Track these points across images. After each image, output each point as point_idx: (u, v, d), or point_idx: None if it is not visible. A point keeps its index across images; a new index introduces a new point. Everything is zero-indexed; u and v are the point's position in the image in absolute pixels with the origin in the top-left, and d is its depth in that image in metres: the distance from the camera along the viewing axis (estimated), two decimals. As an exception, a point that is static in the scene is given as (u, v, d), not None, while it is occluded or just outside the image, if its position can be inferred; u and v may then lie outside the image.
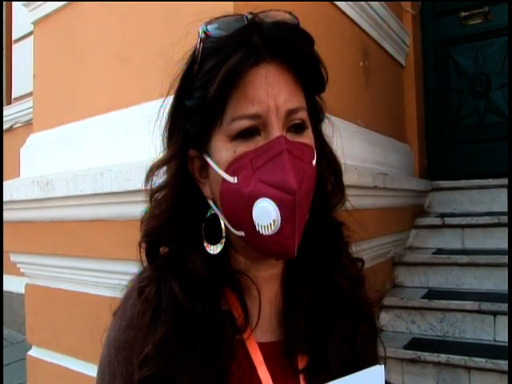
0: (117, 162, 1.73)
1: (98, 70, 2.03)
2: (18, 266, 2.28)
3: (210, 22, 0.61)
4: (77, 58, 2.13)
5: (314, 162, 0.62)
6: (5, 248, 2.26)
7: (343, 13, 2.46)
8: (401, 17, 3.40)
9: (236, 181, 0.59)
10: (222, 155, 0.60)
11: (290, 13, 0.63)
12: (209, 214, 0.65)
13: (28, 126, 3.43)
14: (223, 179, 0.60)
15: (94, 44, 2.06)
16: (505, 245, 2.53)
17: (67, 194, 1.79)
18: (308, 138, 0.63)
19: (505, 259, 2.42)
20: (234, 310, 0.64)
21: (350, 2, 2.48)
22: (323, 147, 0.69)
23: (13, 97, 4.63)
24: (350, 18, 2.54)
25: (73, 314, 1.97)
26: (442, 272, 2.68)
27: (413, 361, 2.18)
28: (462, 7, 3.44)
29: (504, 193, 2.95)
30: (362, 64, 2.69)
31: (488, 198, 3.11)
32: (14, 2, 4.32)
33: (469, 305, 2.33)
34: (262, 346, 0.65)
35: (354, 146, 2.30)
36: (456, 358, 2.08)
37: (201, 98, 0.59)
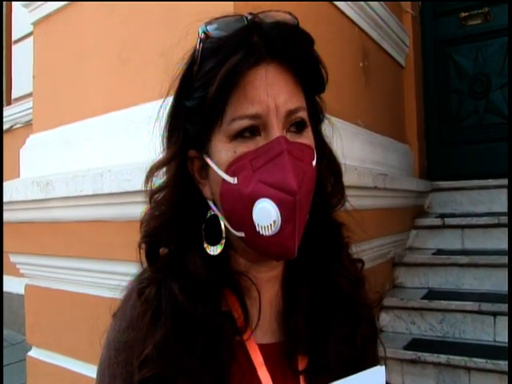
0: (116, 162, 1.73)
1: (98, 71, 2.03)
2: (17, 266, 2.28)
3: (209, 23, 0.61)
4: (77, 59, 2.13)
5: (314, 163, 0.62)
6: (4, 249, 2.26)
7: (343, 13, 2.46)
8: (400, 17, 3.40)
9: (236, 181, 0.59)
10: (221, 156, 0.60)
11: (290, 13, 0.63)
12: (209, 214, 0.65)
13: (28, 126, 3.43)
14: (223, 180, 0.60)
15: (94, 44, 2.06)
16: (505, 245, 2.53)
17: (67, 194, 1.79)
18: (308, 138, 0.63)
19: (505, 260, 2.42)
20: (233, 311, 0.64)
21: (349, 2, 2.48)
22: (323, 148, 0.69)
23: (13, 97, 4.63)
24: (349, 19, 2.54)
25: (72, 315, 1.97)
26: (441, 272, 2.68)
27: (413, 361, 2.18)
28: (461, 8, 3.44)
29: (504, 193, 2.95)
30: (361, 64, 2.69)
31: (488, 198, 3.11)
32: (14, 3, 4.32)
33: (469, 305, 2.33)
34: (262, 348, 0.65)
35: (353, 147, 2.30)
36: (456, 359, 2.08)
37: (201, 98, 0.59)
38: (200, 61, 0.60)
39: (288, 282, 0.69)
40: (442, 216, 3.08)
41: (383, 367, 0.60)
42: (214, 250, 0.64)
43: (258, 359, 0.64)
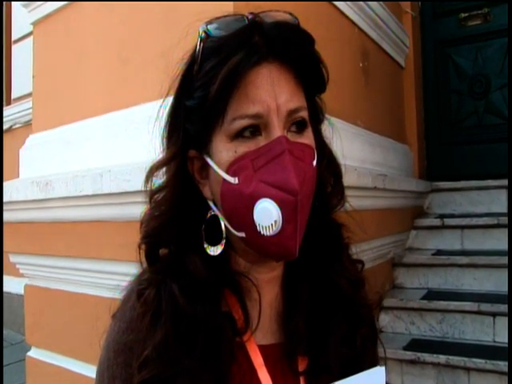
0: (116, 162, 1.73)
1: (98, 70, 2.03)
2: (17, 266, 2.28)
3: (210, 22, 0.61)
4: (77, 58, 2.13)
5: (315, 163, 0.62)
6: (4, 249, 2.26)
7: (342, 13, 2.46)
8: (400, 17, 3.40)
9: (237, 181, 0.58)
10: (222, 155, 0.60)
11: (291, 13, 0.63)
12: (209, 214, 0.65)
13: (27, 126, 3.42)
14: (224, 180, 0.60)
15: (94, 44, 2.05)
16: (504, 246, 2.53)
17: (67, 194, 1.79)
18: (308, 138, 0.62)
19: (504, 260, 2.42)
20: (234, 312, 0.64)
21: (349, 3, 2.48)
22: (323, 148, 0.69)
23: (12, 97, 4.63)
24: (349, 19, 2.54)
25: (72, 315, 1.96)
26: (441, 273, 2.69)
27: (412, 362, 2.18)
28: (461, 8, 3.44)
29: (503, 194, 2.96)
30: (361, 65, 2.69)
31: (487, 198, 3.11)
32: (13, 3, 4.32)
33: (468, 306, 2.33)
34: (262, 349, 0.65)
35: (353, 147, 2.30)
36: (455, 359, 2.08)
37: (201, 97, 0.59)
38: (200, 60, 0.60)
39: (288, 283, 0.69)
40: (442, 216, 3.09)
41: (383, 368, 0.60)
42: (214, 251, 0.63)
43: (258, 360, 0.63)
